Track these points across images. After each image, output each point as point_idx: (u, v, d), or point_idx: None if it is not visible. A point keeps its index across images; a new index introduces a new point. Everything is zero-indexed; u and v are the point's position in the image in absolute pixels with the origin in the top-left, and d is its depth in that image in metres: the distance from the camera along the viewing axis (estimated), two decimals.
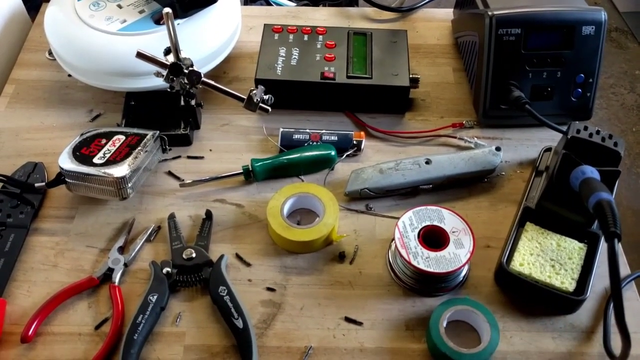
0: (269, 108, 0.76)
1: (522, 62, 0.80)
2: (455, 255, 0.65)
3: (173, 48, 0.73)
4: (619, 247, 0.56)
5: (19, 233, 0.72)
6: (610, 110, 2.22)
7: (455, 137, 0.83)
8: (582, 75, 0.81)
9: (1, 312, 0.65)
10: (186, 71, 0.73)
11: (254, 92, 0.74)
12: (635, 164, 2.05)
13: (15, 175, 0.77)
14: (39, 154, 0.80)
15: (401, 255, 0.65)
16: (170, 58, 0.74)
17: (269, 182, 0.78)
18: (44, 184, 0.74)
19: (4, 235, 0.72)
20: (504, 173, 0.80)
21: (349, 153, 0.80)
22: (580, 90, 0.82)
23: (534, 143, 0.83)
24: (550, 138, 0.83)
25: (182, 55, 0.74)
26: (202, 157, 0.81)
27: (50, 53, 0.93)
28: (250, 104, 0.74)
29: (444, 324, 0.63)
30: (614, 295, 0.55)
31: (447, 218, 0.68)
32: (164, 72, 0.73)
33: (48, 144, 0.82)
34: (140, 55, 0.72)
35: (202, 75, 0.74)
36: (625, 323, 0.57)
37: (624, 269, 0.71)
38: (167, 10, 0.70)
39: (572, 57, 0.80)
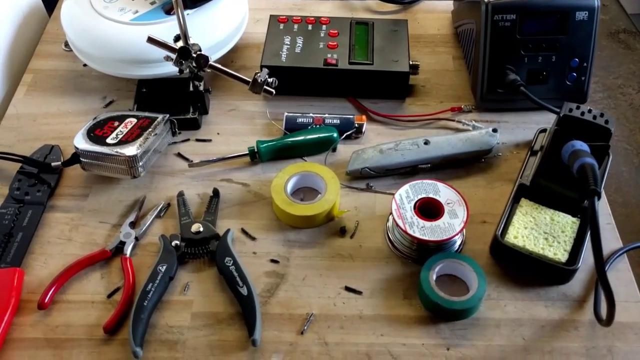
0: (273, 90, 0.79)
1: (518, 47, 0.83)
2: (450, 225, 0.68)
3: (182, 34, 0.77)
4: (599, 207, 0.59)
5: (36, 209, 0.76)
6: (618, 110, 2.22)
7: (453, 121, 0.86)
8: (577, 59, 0.84)
9: (19, 281, 0.69)
10: (194, 55, 0.77)
11: (259, 74, 0.78)
12: None
13: (33, 156, 0.81)
14: (55, 137, 0.84)
15: (398, 225, 0.68)
16: (180, 44, 0.78)
17: (273, 162, 0.82)
18: (60, 163, 0.78)
19: (22, 212, 0.75)
20: (500, 154, 0.83)
21: (349, 133, 0.83)
22: (575, 74, 0.85)
23: (530, 125, 0.86)
24: (546, 121, 0.85)
25: (191, 41, 0.78)
26: (209, 140, 0.85)
27: (66, 45, 0.97)
28: (255, 86, 0.78)
29: (434, 277, 0.66)
30: (595, 250, 0.58)
31: (442, 191, 0.71)
32: (174, 56, 0.77)
33: (64, 128, 0.86)
34: (151, 40, 0.76)
35: (210, 59, 0.78)
36: (607, 276, 0.59)
37: (616, 243, 0.73)
38: None
39: (566, 42, 0.83)
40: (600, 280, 0.59)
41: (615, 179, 2.00)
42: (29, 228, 0.74)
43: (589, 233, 0.70)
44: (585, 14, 0.82)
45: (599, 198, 0.59)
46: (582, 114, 0.72)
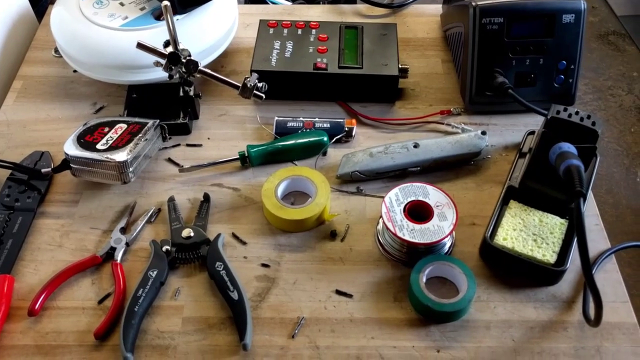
0: (263, 95, 0.79)
1: (506, 50, 0.84)
2: (439, 227, 0.68)
3: (172, 39, 0.77)
4: (586, 208, 0.59)
5: (26, 216, 0.76)
6: (608, 111, 2.24)
7: (443, 124, 0.87)
8: (564, 62, 0.85)
9: (9, 288, 0.69)
10: (184, 60, 0.77)
11: (248, 79, 0.78)
12: (633, 164, 2.07)
13: (23, 162, 0.81)
14: (46, 143, 0.84)
15: (388, 228, 0.68)
16: (169, 49, 0.78)
17: (264, 167, 0.82)
18: (50, 169, 0.78)
19: (12, 218, 0.75)
20: (489, 156, 0.83)
21: (339, 137, 0.83)
22: (562, 76, 0.86)
23: (518, 128, 0.87)
24: (534, 123, 0.86)
25: (181, 46, 0.78)
26: (200, 145, 0.85)
27: (56, 51, 0.97)
28: (244, 91, 0.78)
29: (424, 280, 0.67)
30: (581, 252, 0.58)
31: (431, 193, 0.72)
32: (163, 62, 0.77)
33: (54, 134, 0.86)
34: (140, 45, 0.76)
35: (199, 64, 0.78)
36: (593, 278, 0.60)
37: (604, 244, 0.74)
38: (166, 2, 0.74)
39: (553, 45, 0.84)
40: (587, 281, 0.59)
41: (606, 180, 2.01)
42: (19, 235, 0.74)
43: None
44: (572, 16, 0.83)
45: (585, 199, 0.59)
46: (570, 115, 0.72)
